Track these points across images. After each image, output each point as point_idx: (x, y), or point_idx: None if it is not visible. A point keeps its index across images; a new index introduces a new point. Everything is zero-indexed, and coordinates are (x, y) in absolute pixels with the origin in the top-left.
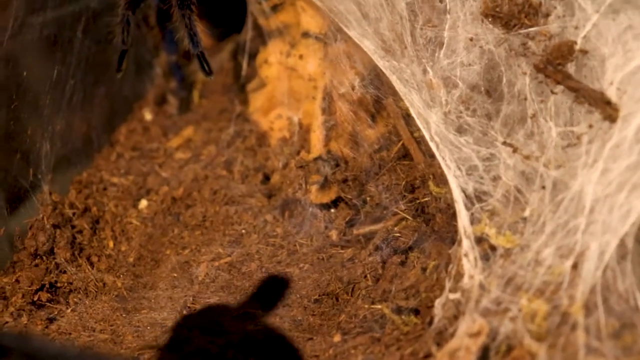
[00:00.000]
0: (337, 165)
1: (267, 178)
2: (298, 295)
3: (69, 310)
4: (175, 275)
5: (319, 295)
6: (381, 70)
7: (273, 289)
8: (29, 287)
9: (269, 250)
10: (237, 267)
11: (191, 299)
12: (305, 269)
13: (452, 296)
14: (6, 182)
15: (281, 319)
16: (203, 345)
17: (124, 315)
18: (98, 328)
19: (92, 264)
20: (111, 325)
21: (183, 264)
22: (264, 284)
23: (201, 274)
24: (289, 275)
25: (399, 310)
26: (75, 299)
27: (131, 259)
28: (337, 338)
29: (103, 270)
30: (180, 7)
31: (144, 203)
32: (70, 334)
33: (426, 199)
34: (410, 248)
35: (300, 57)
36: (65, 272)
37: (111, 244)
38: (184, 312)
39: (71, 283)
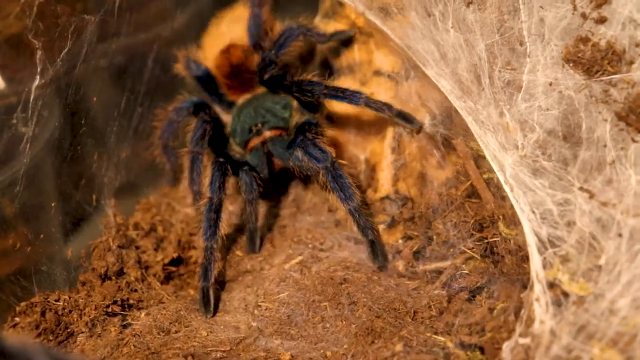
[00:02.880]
0: (405, 204)
1: (330, 211)
2: (364, 297)
3: (142, 315)
4: (251, 278)
5: (383, 305)
6: (453, 110)
7: (340, 288)
8: (102, 301)
9: (337, 257)
10: (307, 266)
11: (262, 297)
12: (373, 279)
13: (522, 341)
14: (70, 206)
15: (346, 320)
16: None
17: (199, 317)
18: (173, 329)
19: (161, 282)
20: (186, 327)
21: (256, 269)
22: (331, 282)
23: (272, 275)
24: (356, 278)
25: (462, 345)
26: (149, 307)
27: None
28: (398, 347)
29: (174, 279)
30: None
31: None
32: (144, 336)
33: (495, 239)
34: (479, 288)
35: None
36: (136, 290)
37: (175, 255)
38: (255, 311)
39: (142, 301)
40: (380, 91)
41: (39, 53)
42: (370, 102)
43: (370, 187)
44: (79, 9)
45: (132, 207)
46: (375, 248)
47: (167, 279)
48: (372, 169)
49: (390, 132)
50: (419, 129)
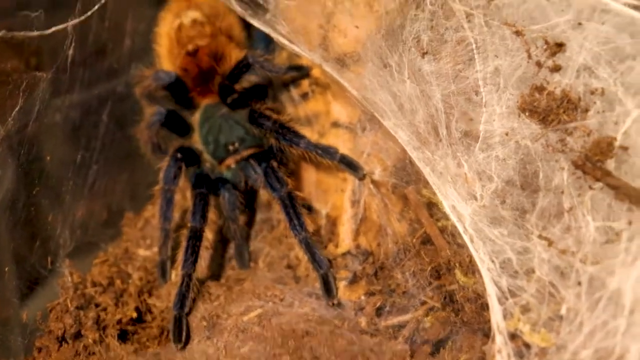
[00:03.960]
0: (366, 260)
1: (289, 267)
2: (327, 351)
3: None
4: (205, 324)
5: None
6: (409, 161)
7: (302, 341)
8: None
9: (299, 312)
10: (267, 318)
11: (223, 352)
12: (336, 332)
13: None
14: (24, 269)
15: None
16: None
17: None
18: None
19: (120, 341)
20: None
21: (212, 316)
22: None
23: (230, 325)
24: (319, 331)
25: None
26: None
27: (156, 329)
28: None
29: (133, 342)
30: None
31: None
32: None
33: (453, 287)
34: (441, 340)
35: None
36: (94, 353)
37: (134, 314)
38: None
39: None
40: (339, 142)
41: None
42: (310, 146)
43: (331, 242)
44: (33, 64)
45: (90, 262)
46: (329, 282)
47: (126, 339)
48: (333, 223)
49: (350, 185)
50: (364, 176)
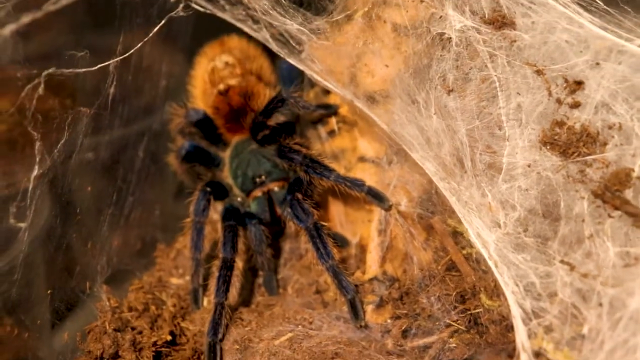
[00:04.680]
0: (392, 285)
1: (318, 292)
2: None
3: None
4: (237, 347)
5: None
6: (435, 192)
7: None
8: None
9: (328, 335)
10: (298, 342)
11: None
12: (364, 353)
13: None
14: (65, 293)
15: None
16: None
17: None
18: None
19: None
20: None
21: (244, 339)
22: (323, 357)
23: (261, 349)
24: (347, 352)
25: None
26: None
27: (190, 351)
28: None
29: None
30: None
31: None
32: None
33: (478, 310)
34: None
35: None
36: None
37: (169, 337)
38: None
39: None
40: (365, 176)
41: (37, 144)
42: (340, 179)
43: (359, 269)
44: (75, 101)
45: (125, 289)
46: (356, 306)
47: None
48: (361, 250)
49: (377, 215)
50: (390, 207)
